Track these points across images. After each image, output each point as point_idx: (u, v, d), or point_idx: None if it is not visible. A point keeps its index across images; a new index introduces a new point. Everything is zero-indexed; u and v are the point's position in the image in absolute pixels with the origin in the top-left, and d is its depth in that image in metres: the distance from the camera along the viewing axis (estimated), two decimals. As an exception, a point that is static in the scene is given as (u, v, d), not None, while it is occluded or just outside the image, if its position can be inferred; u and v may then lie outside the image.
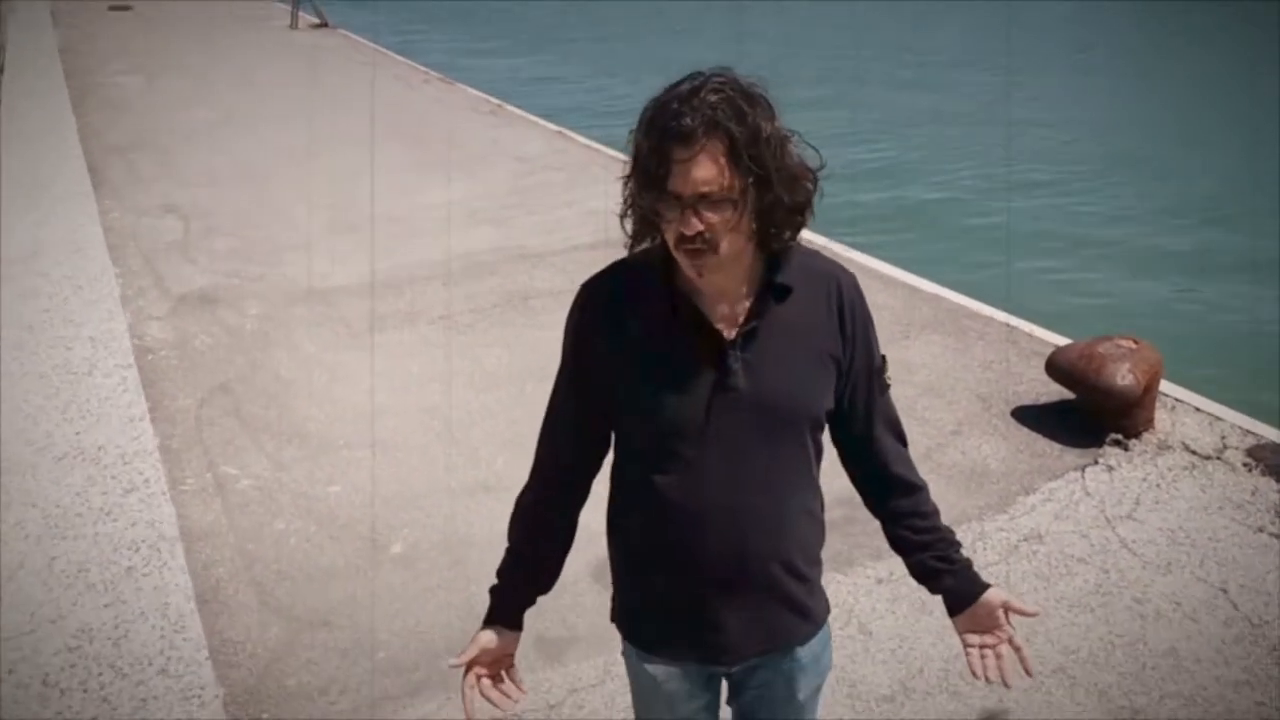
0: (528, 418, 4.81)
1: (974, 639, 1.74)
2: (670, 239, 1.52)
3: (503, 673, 1.82)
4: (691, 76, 1.50)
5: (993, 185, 10.57)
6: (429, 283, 6.22)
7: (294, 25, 17.80)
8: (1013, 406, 4.61)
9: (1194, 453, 4.23)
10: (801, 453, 1.67)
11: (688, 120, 1.43)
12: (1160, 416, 4.43)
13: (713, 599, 1.69)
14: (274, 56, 14.81)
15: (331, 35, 17.20)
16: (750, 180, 1.46)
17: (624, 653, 1.89)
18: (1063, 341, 5.19)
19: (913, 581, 1.86)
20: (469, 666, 1.78)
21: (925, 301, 5.75)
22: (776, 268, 1.60)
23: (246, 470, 4.23)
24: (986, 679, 1.72)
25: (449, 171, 8.64)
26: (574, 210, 7.64)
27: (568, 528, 1.83)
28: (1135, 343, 4.34)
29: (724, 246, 1.50)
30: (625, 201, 1.59)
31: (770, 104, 1.50)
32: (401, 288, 6.15)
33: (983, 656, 1.73)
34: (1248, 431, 4.37)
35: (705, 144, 1.44)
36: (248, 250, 6.78)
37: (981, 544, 3.70)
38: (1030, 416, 4.53)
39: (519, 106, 11.47)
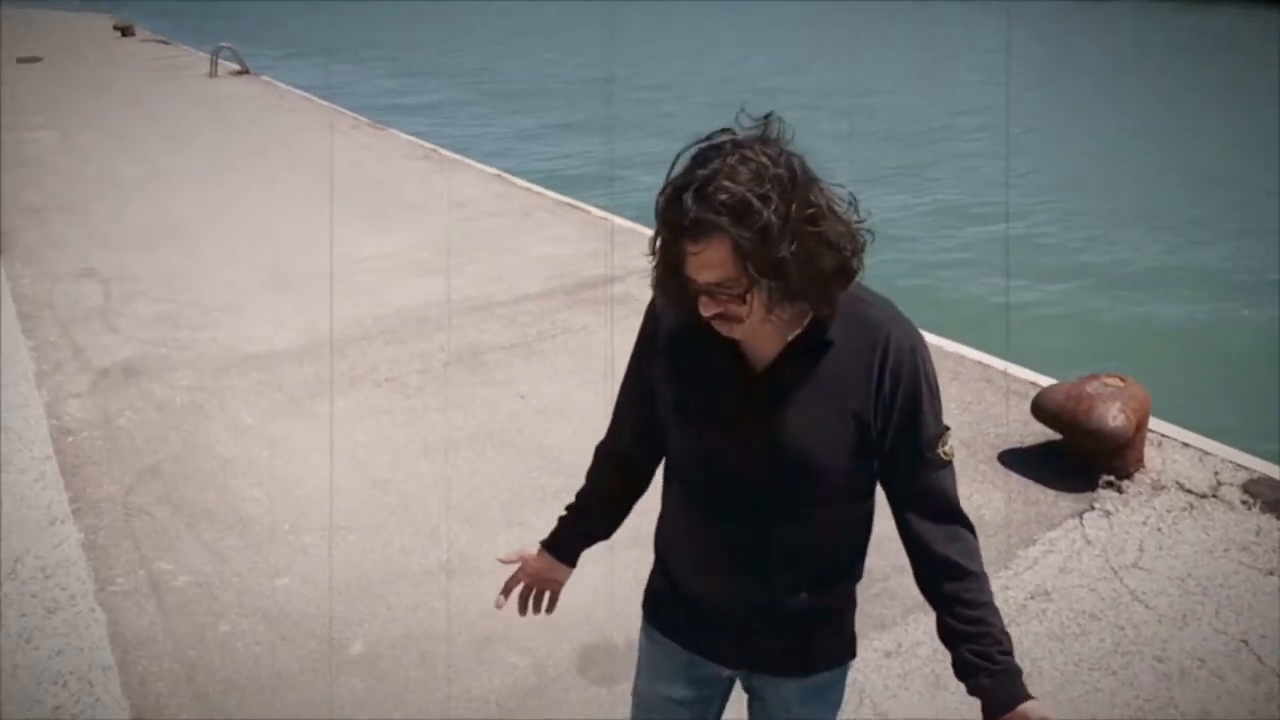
0: (489, 487, 4.55)
1: None
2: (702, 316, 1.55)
3: (546, 593, 2.00)
4: (714, 151, 1.46)
5: (951, 216, 10.48)
6: (372, 342, 5.88)
7: (213, 74, 17.32)
8: (999, 451, 4.42)
9: (1189, 491, 4.07)
10: (826, 498, 1.65)
11: (691, 217, 1.42)
12: (1150, 454, 4.27)
13: (712, 615, 1.79)
14: (195, 107, 14.33)
15: (253, 83, 16.76)
16: (761, 275, 1.44)
17: (641, 629, 1.97)
18: (1039, 378, 5.06)
19: (922, 652, 1.63)
20: (521, 567, 1.97)
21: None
22: (818, 321, 1.58)
23: (183, 565, 3.84)
24: None
25: (386, 221, 8.31)
26: (519, 257, 7.36)
27: (638, 480, 1.93)
28: (1122, 380, 4.18)
29: (746, 322, 1.51)
30: (653, 274, 1.57)
31: (797, 179, 1.45)
32: (343, 348, 5.79)
33: None
34: (1239, 466, 4.23)
35: (712, 242, 1.43)
36: (175, 315, 6.37)
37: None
38: (1018, 461, 4.34)
39: (453, 150, 11.19)
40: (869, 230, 1.55)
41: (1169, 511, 3.94)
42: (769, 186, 1.42)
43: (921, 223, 10.35)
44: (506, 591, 1.98)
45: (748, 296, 1.47)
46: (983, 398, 4.89)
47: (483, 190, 9.30)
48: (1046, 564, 3.66)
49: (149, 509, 4.21)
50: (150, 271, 7.23)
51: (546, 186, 9.60)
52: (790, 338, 1.59)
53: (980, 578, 1.68)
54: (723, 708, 1.99)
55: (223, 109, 14.10)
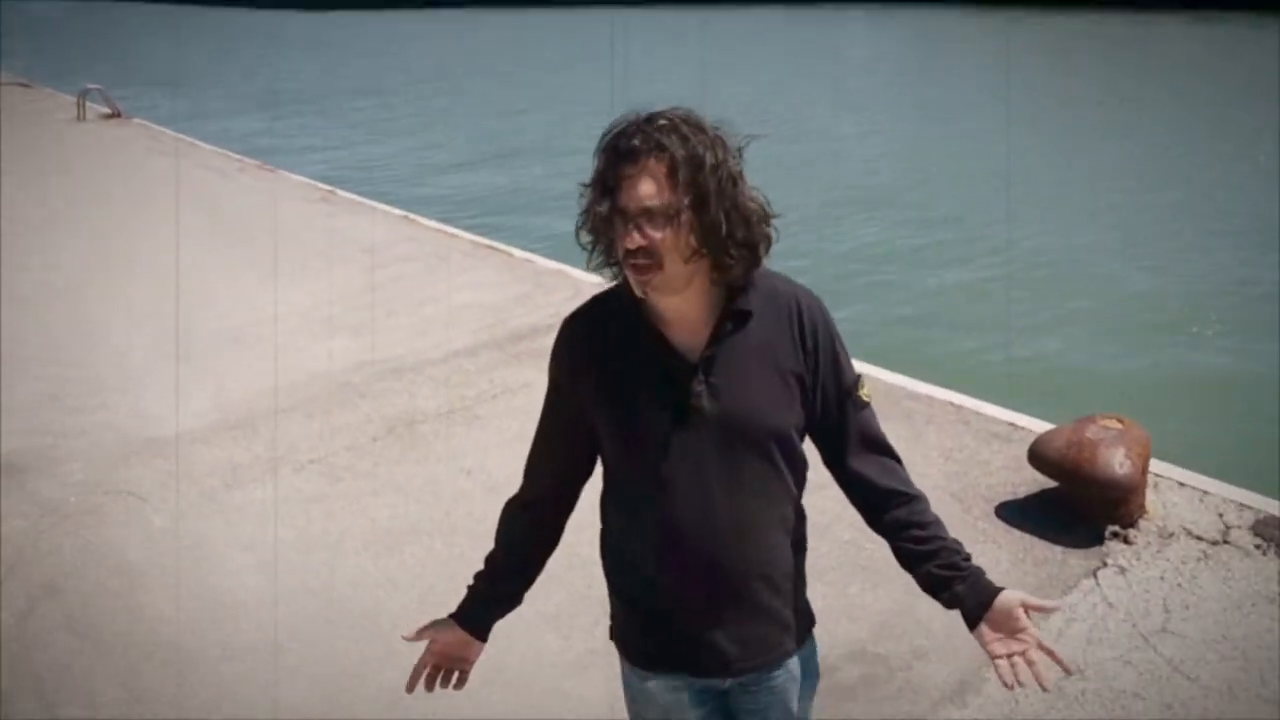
0: (444, 585, 4.02)
1: (999, 648, 1.69)
2: (619, 254, 1.60)
3: (455, 672, 1.95)
4: (653, 110, 1.60)
5: (901, 247, 10.22)
6: (289, 416, 5.32)
7: (81, 117, 16.30)
8: (994, 504, 4.13)
9: (1199, 538, 3.84)
10: (771, 470, 1.71)
11: (636, 141, 1.56)
12: (1149, 498, 4.03)
13: (697, 615, 1.76)
14: (64, 154, 13.37)
15: (126, 126, 15.80)
16: (688, 200, 1.55)
17: (621, 669, 1.92)
18: (1016, 418, 4.83)
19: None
20: (428, 646, 1.92)
21: (855, 383, 5.27)
22: (736, 296, 1.67)
23: (95, 710, 3.26)
24: (1020, 685, 1.66)
25: (289, 272, 7.71)
26: (442, 307, 6.87)
27: (552, 532, 1.91)
28: (1121, 422, 3.95)
29: (667, 263, 1.58)
30: (582, 212, 1.64)
31: (723, 141, 1.60)
32: (256, 425, 5.22)
33: (1013, 665, 1.67)
34: (1243, 505, 4.02)
35: (649, 163, 1.55)
36: (60, 394, 5.69)
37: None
38: (1015, 514, 4.06)
39: (352, 191, 10.59)
40: (775, 227, 1.67)
41: (1184, 563, 3.70)
42: (702, 135, 1.58)
43: (873, 255, 10.10)
44: (414, 677, 1.94)
45: (674, 225, 1.55)
46: (963, 443, 4.61)
47: (391, 233, 8.75)
48: (1072, 635, 3.36)
49: (50, 639, 3.61)
50: (28, 341, 6.49)
51: (457, 226, 9.11)
52: (714, 320, 1.67)
53: (922, 499, 1.80)
54: None
55: (95, 155, 13.18)
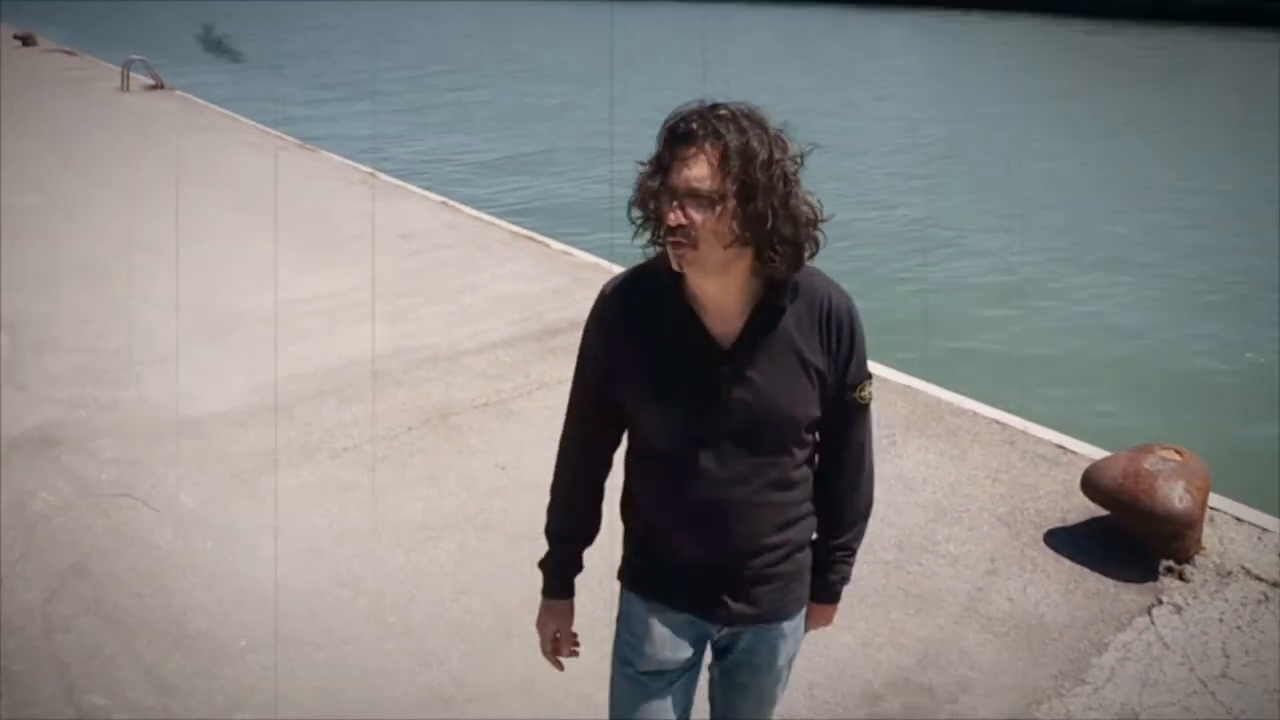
0: (479, 586, 3.94)
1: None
2: (661, 230, 1.68)
3: (563, 641, 2.09)
4: (718, 100, 1.67)
5: (941, 256, 9.98)
6: (323, 401, 5.26)
7: (125, 88, 16.34)
8: (1043, 531, 4.01)
9: (1259, 579, 3.70)
10: (787, 458, 1.83)
11: (694, 125, 1.63)
12: (1205, 532, 3.89)
13: (708, 575, 1.89)
14: (106, 125, 13.38)
15: (169, 98, 15.81)
16: (735, 189, 1.61)
17: (621, 603, 2.05)
18: (1064, 440, 4.69)
19: None
20: (545, 636, 2.10)
21: (899, 395, 5.15)
22: (774, 290, 1.75)
23: (119, 698, 3.21)
24: None
25: (326, 256, 7.66)
26: (480, 296, 6.80)
27: (595, 492, 2.03)
28: (1180, 454, 3.81)
29: (702, 245, 1.65)
30: (636, 187, 1.71)
31: (782, 141, 1.66)
32: (291, 409, 5.16)
33: None
34: (1304, 545, 3.88)
35: (704, 147, 1.62)
36: (95, 369, 5.66)
37: None
38: (1065, 543, 3.93)
39: (392, 174, 10.53)
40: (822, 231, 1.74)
41: (1244, 605, 3.57)
42: (760, 130, 1.64)
43: (907, 262, 9.91)
44: (555, 663, 2.13)
45: (716, 210, 1.62)
46: (1010, 464, 4.48)
47: (430, 220, 8.68)
48: (1126, 675, 3.24)
49: (74, 622, 3.55)
50: (63, 317, 6.47)
51: (497, 215, 9.03)
52: (750, 310, 1.75)
53: (860, 523, 2.01)
54: (696, 679, 2.09)
55: (138, 127, 13.19)
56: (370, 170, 10.54)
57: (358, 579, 3.81)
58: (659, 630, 1.97)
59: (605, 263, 7.48)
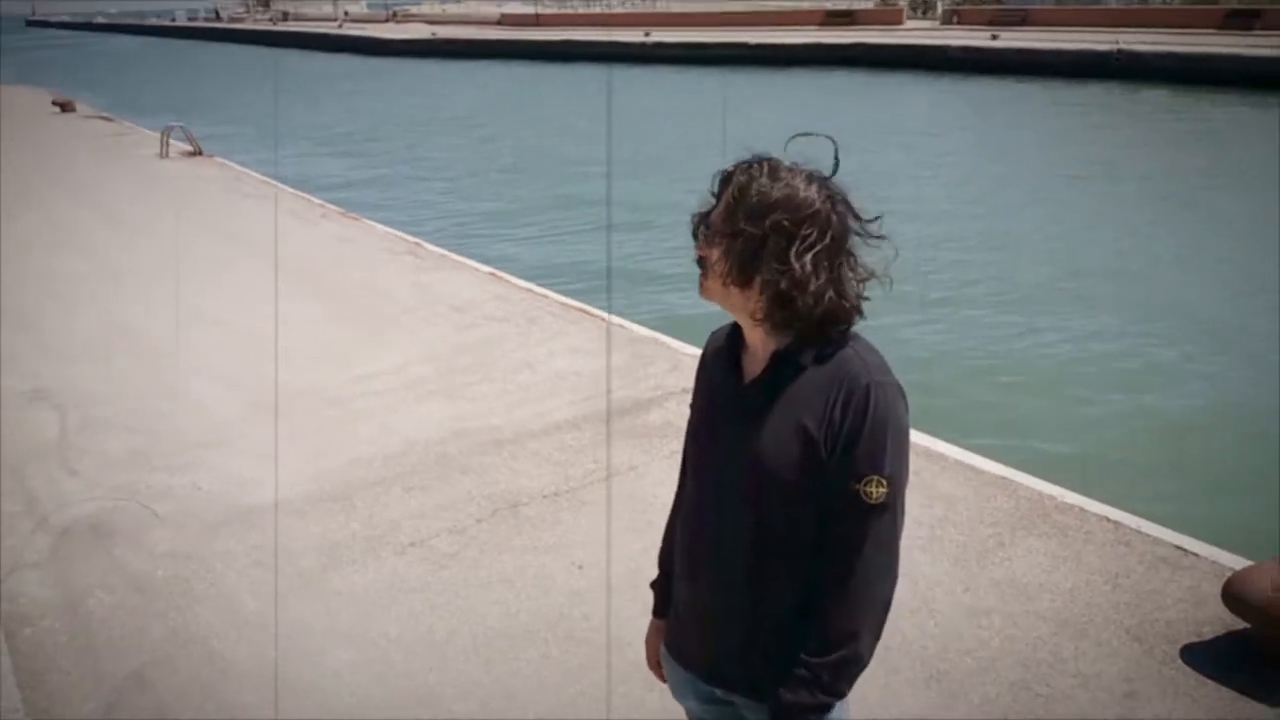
0: (566, 708, 3.67)
1: None
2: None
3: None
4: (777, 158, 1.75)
5: (1045, 340, 9.60)
6: (387, 489, 5.01)
7: (164, 154, 16.43)
8: (1178, 646, 3.68)
9: None
10: (770, 518, 1.76)
11: (734, 169, 1.74)
12: (1360, 650, 3.56)
13: (694, 614, 1.94)
14: (148, 191, 13.40)
15: (208, 164, 15.87)
16: (737, 229, 1.69)
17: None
18: (1181, 539, 4.37)
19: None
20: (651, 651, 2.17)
21: (998, 489, 4.85)
22: (796, 346, 1.74)
23: (187, 835, 2.93)
24: None
25: (378, 329, 7.47)
26: (538, 374, 6.57)
27: None
28: (1336, 564, 3.49)
29: (710, 278, 1.76)
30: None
31: (799, 200, 1.68)
32: (352, 498, 4.92)
33: None
34: None
35: (729, 190, 1.73)
36: (147, 451, 5.44)
37: None
38: (1205, 661, 3.60)
39: (438, 244, 10.40)
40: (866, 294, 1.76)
41: None
42: (786, 190, 1.68)
43: (991, 341, 9.59)
44: (660, 675, 2.14)
45: (720, 248, 1.71)
46: (1129, 568, 4.17)
47: (480, 291, 8.50)
48: (1302, 821, 2.91)
49: (135, 742, 3.29)
50: (111, 392, 6.29)
51: (548, 286, 8.84)
52: (771, 352, 1.76)
53: (842, 651, 1.74)
54: None
55: (178, 194, 13.18)
56: (415, 240, 10.41)
57: (434, 695, 3.52)
58: (671, 675, 2.06)
59: (663, 337, 7.26)
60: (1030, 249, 12.51)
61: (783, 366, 1.75)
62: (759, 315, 1.74)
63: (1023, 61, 33.33)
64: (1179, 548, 4.31)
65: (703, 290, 1.80)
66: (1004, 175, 17.95)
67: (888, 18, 49.91)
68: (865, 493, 1.68)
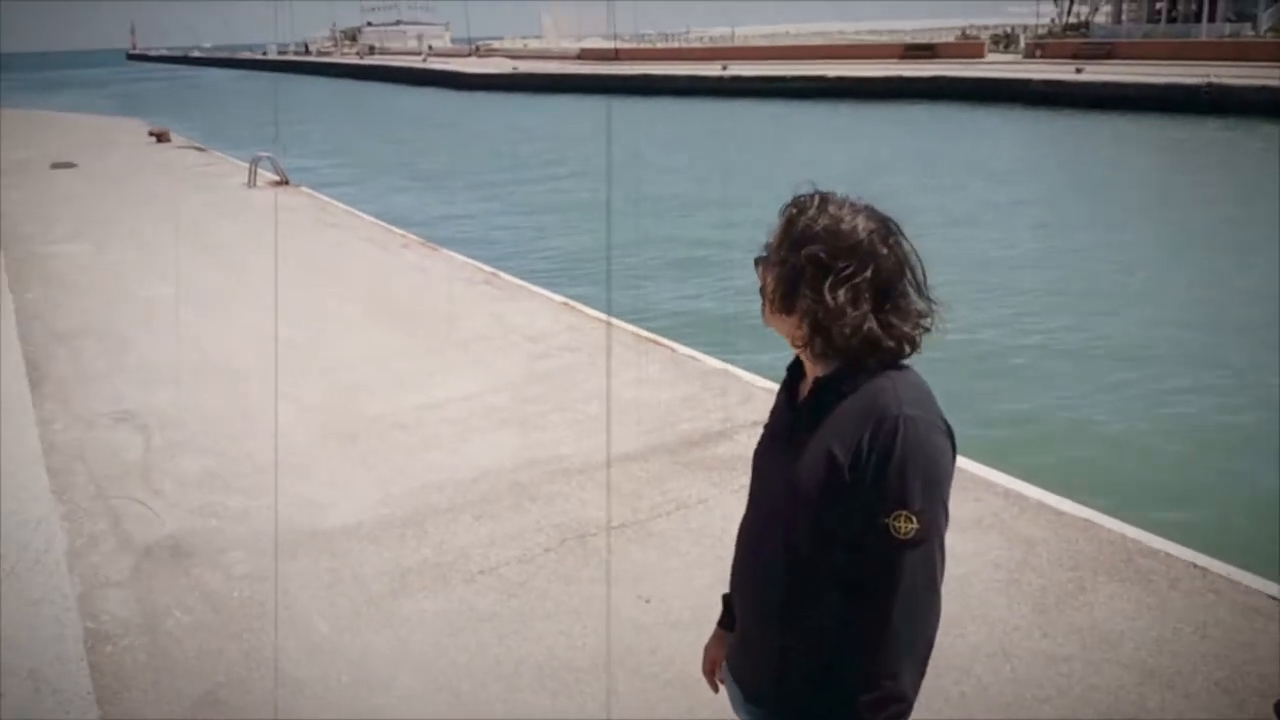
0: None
1: None
2: None
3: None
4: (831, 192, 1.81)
5: (1092, 365, 9.41)
6: (457, 516, 5.04)
7: (252, 183, 16.92)
8: (1271, 701, 3.50)
9: None
10: (802, 541, 1.76)
11: (790, 201, 1.81)
12: None
13: (741, 629, 1.97)
14: (234, 219, 13.81)
15: (293, 193, 16.31)
16: (781, 257, 1.77)
17: None
18: (1272, 587, 4.18)
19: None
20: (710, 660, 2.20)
21: (1079, 531, 4.70)
22: (837, 374, 1.76)
23: None
24: None
25: (453, 357, 7.56)
26: (606, 405, 6.57)
27: None
28: None
29: (766, 302, 1.82)
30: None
31: (839, 233, 1.72)
32: (424, 524, 4.96)
33: None
34: None
35: (782, 221, 1.80)
36: (226, 473, 5.57)
37: None
38: (1302, 718, 3.43)
39: (514, 275, 10.51)
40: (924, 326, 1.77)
41: None
42: (832, 225, 1.72)
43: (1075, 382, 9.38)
44: (713, 684, 2.19)
45: (770, 274, 1.79)
46: (1219, 618, 3.99)
47: (553, 322, 8.56)
48: None
49: (207, 762, 3.33)
50: (194, 415, 6.45)
51: (620, 317, 8.86)
52: (814, 379, 1.80)
53: (873, 694, 1.71)
54: None
55: (264, 222, 13.55)
56: (492, 270, 10.54)
57: (502, 724, 3.51)
58: (728, 690, 2.07)
59: (734, 369, 7.23)
60: (1123, 293, 12.19)
61: (823, 393, 1.77)
62: (800, 342, 1.79)
63: (1108, 95, 32.75)
64: (1273, 597, 4.13)
65: (763, 316, 1.86)
66: (1093, 212, 17.58)
67: (969, 51, 49.59)
68: (894, 528, 1.66)
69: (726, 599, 2.13)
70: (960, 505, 4.88)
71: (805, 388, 1.84)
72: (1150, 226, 16.07)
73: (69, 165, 20.12)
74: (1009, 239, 15.27)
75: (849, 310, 1.70)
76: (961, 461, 5.37)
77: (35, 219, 14.03)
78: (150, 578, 4.49)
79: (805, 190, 1.81)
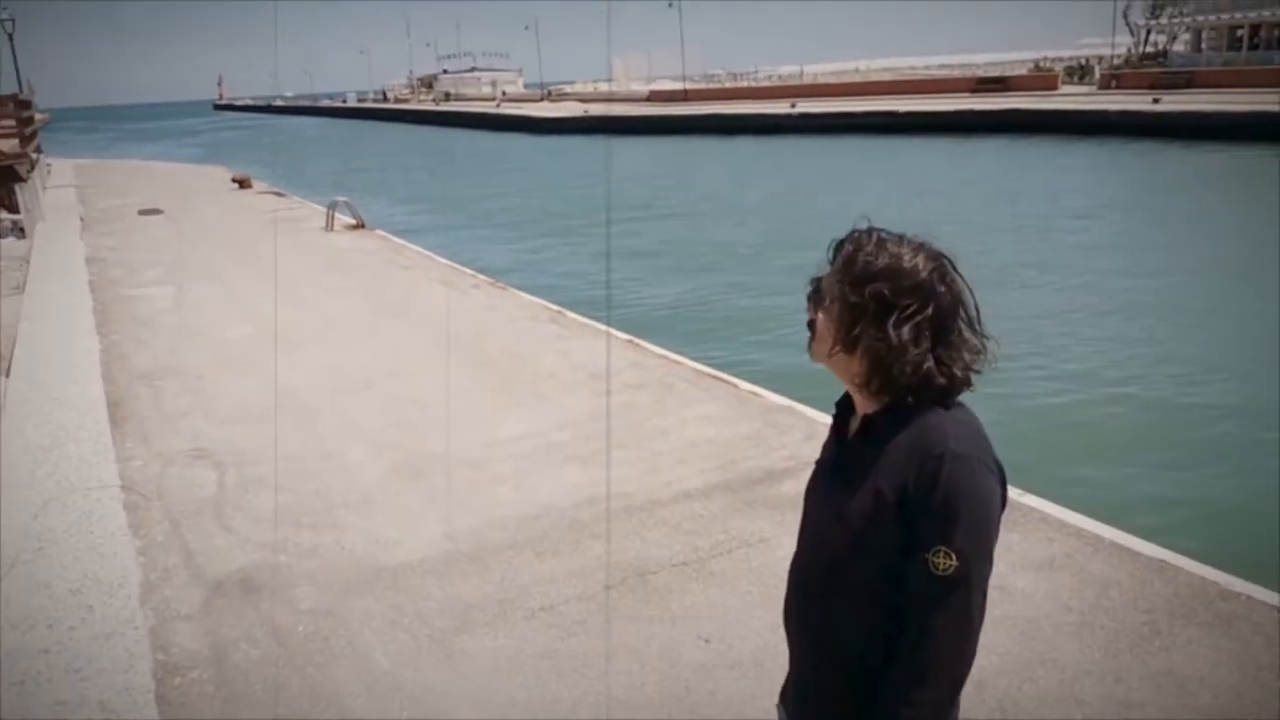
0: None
1: None
2: None
3: None
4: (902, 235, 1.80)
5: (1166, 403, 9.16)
6: (519, 553, 5.06)
7: (330, 227, 17.36)
8: (1362, 754, 3.35)
9: None
10: (849, 576, 1.77)
11: (844, 238, 1.81)
12: None
13: (792, 660, 1.97)
14: (312, 262, 14.18)
15: (369, 237, 16.69)
16: (841, 294, 1.76)
17: None
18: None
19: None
20: None
21: (1155, 573, 4.54)
22: (886, 411, 1.76)
23: None
24: None
25: (519, 395, 7.63)
26: (670, 441, 6.56)
27: None
28: None
29: (816, 341, 1.83)
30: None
31: (901, 270, 1.72)
32: (486, 560, 4.99)
33: None
34: None
35: (838, 258, 1.80)
36: (296, 510, 5.67)
37: None
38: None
39: (580, 313, 10.60)
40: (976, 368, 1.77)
41: None
42: (891, 262, 1.73)
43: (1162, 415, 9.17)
44: None
45: (827, 311, 1.79)
46: (1305, 665, 3.82)
47: (617, 358, 8.60)
48: None
49: (268, 796, 3.37)
50: (268, 453, 6.59)
51: (684, 354, 8.87)
52: (863, 416, 1.81)
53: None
54: None
55: (339, 264, 13.89)
56: (558, 309, 10.65)
57: (560, 764, 3.50)
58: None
59: (799, 405, 7.16)
60: (1210, 336, 11.83)
61: (871, 430, 1.78)
62: (858, 380, 1.79)
63: (1188, 125, 32.03)
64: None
65: (810, 353, 1.85)
66: (1176, 248, 17.14)
67: (1042, 83, 48.97)
68: (933, 563, 1.67)
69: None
70: (1032, 545, 4.77)
71: (854, 424, 1.85)
72: (1238, 260, 15.59)
73: (156, 211, 20.89)
74: (1085, 276, 14.95)
75: (911, 349, 1.71)
76: (1032, 501, 5.29)
77: (123, 263, 14.57)
78: (220, 611, 4.58)
79: (860, 225, 1.81)
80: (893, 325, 1.71)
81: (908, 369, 1.71)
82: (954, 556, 1.66)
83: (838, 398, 1.95)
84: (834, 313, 1.77)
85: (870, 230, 1.80)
